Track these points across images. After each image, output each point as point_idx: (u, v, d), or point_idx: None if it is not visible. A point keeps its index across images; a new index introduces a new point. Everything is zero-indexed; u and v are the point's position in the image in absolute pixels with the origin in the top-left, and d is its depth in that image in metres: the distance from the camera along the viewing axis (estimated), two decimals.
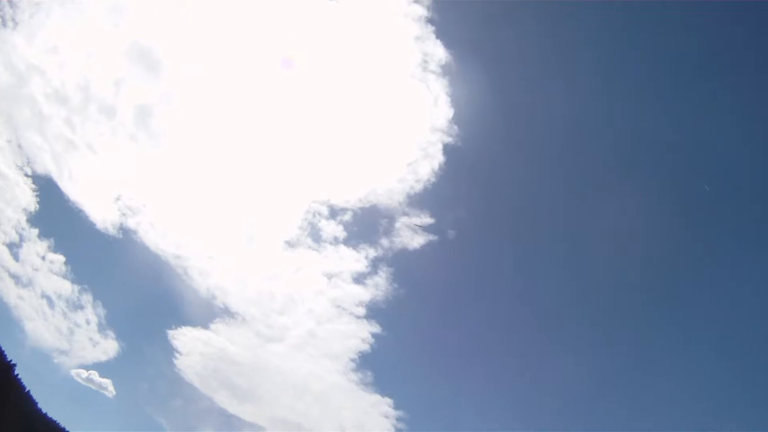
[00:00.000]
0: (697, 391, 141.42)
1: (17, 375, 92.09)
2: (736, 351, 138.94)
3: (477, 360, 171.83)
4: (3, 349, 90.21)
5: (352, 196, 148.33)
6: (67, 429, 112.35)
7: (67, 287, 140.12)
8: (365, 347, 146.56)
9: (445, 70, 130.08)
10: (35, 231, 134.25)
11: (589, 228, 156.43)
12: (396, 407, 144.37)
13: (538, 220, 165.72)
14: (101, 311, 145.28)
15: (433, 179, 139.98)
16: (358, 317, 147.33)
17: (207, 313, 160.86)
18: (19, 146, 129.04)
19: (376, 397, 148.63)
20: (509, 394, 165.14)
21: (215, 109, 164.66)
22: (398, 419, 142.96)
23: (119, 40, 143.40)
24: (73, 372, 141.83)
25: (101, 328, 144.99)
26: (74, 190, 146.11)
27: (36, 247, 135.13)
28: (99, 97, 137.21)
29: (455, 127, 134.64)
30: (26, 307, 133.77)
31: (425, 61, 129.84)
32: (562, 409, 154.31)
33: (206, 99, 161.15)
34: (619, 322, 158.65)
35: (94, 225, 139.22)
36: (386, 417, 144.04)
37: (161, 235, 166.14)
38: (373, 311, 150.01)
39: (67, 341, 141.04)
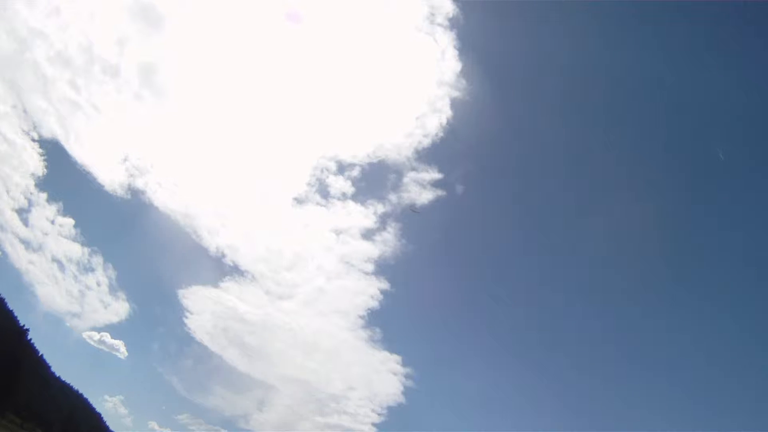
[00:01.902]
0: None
1: (30, 340, 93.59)
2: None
3: (486, 316, 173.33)
4: (15, 314, 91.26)
5: (360, 151, 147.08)
6: (81, 391, 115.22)
7: (77, 250, 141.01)
8: (374, 304, 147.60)
9: (453, 23, 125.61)
10: (44, 195, 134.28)
11: (598, 183, 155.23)
12: (404, 364, 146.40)
13: (547, 174, 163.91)
14: (112, 273, 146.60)
15: (441, 134, 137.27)
16: (367, 273, 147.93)
17: (217, 271, 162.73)
18: (25, 111, 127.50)
19: (385, 354, 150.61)
20: (518, 352, 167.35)
21: (221, 65, 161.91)
22: (406, 376, 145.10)
23: None
24: (86, 334, 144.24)
25: (112, 289, 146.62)
26: (81, 152, 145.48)
27: (45, 212, 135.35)
28: (102, 57, 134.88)
29: (463, 81, 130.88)
30: (37, 271, 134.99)
31: (432, 14, 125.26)
32: (573, 370, 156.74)
33: (211, 55, 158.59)
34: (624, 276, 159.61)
35: (103, 187, 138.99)
36: (395, 374, 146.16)
37: (169, 194, 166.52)
38: (382, 267, 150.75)
39: (79, 304, 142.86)
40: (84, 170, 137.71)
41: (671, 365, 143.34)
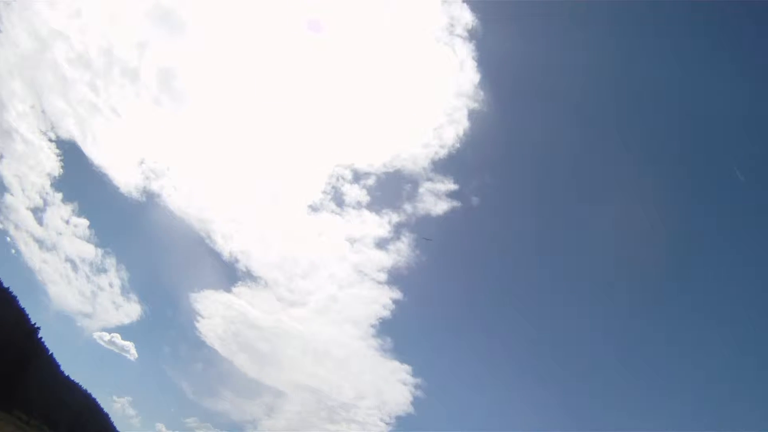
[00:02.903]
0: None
1: (41, 338, 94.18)
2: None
3: (498, 328, 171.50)
4: (27, 312, 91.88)
5: (377, 160, 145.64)
6: (89, 391, 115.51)
7: (90, 251, 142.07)
8: (386, 313, 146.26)
9: (472, 35, 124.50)
10: (59, 195, 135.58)
11: (617, 196, 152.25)
12: (414, 375, 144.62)
13: (563, 188, 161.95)
14: (124, 274, 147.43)
15: (457, 145, 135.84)
16: (380, 283, 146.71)
17: (229, 276, 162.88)
18: (43, 111, 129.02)
19: (395, 364, 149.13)
20: (531, 365, 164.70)
21: (240, 72, 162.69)
22: (416, 386, 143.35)
23: (142, 1, 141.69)
24: (96, 335, 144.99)
25: (124, 291, 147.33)
26: (98, 154, 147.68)
27: (60, 212, 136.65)
28: (122, 60, 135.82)
29: (481, 93, 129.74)
30: (50, 270, 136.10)
31: (451, 25, 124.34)
32: (586, 384, 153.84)
33: (231, 61, 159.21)
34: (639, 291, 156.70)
35: (118, 189, 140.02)
36: (404, 384, 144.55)
37: (185, 198, 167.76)
38: (395, 277, 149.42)
39: (91, 304, 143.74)
40: (100, 172, 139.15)
41: (682, 370, 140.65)
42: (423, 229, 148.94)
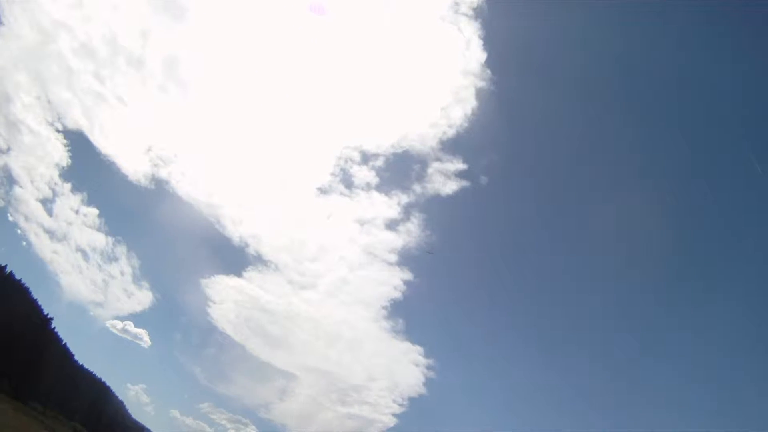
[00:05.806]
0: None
1: (54, 329, 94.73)
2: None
3: (510, 308, 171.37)
4: (39, 303, 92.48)
5: (385, 141, 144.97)
6: (103, 380, 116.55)
7: (101, 240, 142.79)
8: (397, 294, 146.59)
9: (477, 13, 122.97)
10: (68, 185, 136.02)
11: (623, 176, 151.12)
12: (426, 355, 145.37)
13: (571, 166, 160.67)
14: (135, 262, 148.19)
15: (465, 124, 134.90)
16: (390, 264, 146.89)
17: (240, 261, 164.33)
18: (49, 102, 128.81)
19: (407, 345, 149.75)
20: (541, 346, 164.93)
21: (245, 55, 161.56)
22: (428, 367, 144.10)
23: None
24: (109, 323, 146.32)
25: (136, 279, 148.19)
26: (105, 143, 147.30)
27: (69, 202, 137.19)
28: (127, 49, 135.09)
29: (488, 71, 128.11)
30: (61, 261, 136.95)
31: (457, 4, 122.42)
32: (596, 368, 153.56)
33: (235, 45, 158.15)
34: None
35: (127, 177, 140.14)
36: (416, 365, 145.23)
37: (193, 184, 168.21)
38: (405, 258, 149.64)
39: (103, 293, 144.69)
40: (108, 160, 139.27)
41: (694, 365, 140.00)
42: (433, 210, 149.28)
